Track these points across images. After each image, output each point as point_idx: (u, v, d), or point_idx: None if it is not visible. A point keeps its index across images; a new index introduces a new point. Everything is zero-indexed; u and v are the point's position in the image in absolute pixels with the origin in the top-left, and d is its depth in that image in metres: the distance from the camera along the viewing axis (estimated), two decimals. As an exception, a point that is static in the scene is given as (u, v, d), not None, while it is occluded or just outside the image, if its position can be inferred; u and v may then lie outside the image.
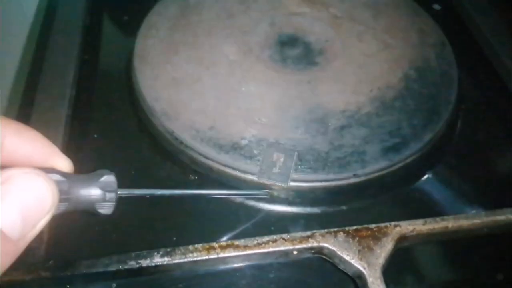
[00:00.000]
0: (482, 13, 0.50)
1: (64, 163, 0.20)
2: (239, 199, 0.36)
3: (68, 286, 0.30)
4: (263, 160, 0.35)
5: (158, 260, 0.30)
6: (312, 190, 0.36)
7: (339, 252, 0.30)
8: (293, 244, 0.31)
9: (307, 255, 0.31)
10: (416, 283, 0.34)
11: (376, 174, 0.36)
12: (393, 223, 0.32)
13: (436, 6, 0.53)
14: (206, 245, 0.30)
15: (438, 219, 0.32)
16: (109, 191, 0.20)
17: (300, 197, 0.36)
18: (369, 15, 0.48)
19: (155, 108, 0.39)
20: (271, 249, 0.30)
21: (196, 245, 0.30)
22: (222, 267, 0.31)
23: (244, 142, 0.37)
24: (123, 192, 0.21)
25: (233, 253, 0.30)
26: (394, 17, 0.48)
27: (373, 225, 0.32)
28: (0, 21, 0.62)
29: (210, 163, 0.36)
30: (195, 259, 0.30)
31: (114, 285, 0.30)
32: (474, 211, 0.36)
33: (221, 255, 0.30)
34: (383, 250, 0.30)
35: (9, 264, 0.16)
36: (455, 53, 0.45)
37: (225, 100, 0.40)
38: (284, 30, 0.46)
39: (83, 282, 0.30)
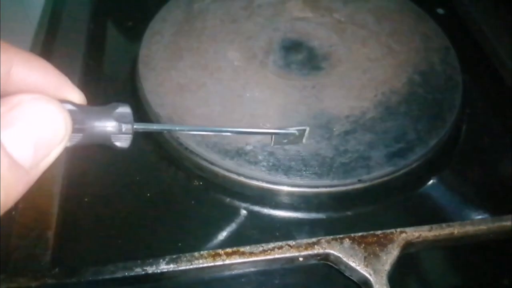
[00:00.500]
0: (486, 17, 0.50)
1: (76, 95, 0.19)
2: (243, 205, 0.36)
3: (74, 293, 0.30)
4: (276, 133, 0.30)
5: (164, 267, 0.30)
6: (317, 195, 0.36)
7: (345, 259, 0.30)
8: (299, 251, 0.31)
9: (313, 261, 0.31)
10: (422, 289, 0.33)
11: (381, 180, 0.36)
12: (399, 229, 0.32)
13: (440, 11, 0.53)
14: (212, 252, 0.30)
15: (444, 225, 0.32)
16: (125, 123, 0.19)
17: (305, 202, 0.36)
18: (372, 20, 0.48)
19: (160, 113, 0.39)
20: (276, 256, 0.30)
21: (201, 252, 0.30)
22: (227, 273, 0.31)
23: (248, 147, 0.37)
24: (140, 126, 0.20)
25: (238, 260, 0.30)
26: (397, 22, 0.48)
27: (379, 232, 0.32)
28: (3, 27, 0.62)
29: (215, 168, 0.36)
30: (200, 266, 0.30)
31: (120, 292, 0.30)
32: (479, 216, 0.36)
33: (227, 262, 0.30)
34: (389, 256, 0.30)
35: (22, 193, 0.15)
36: (459, 58, 0.45)
37: (230, 105, 0.40)
38: (288, 36, 0.47)
39: (89, 289, 0.30)
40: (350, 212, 0.36)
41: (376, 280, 0.29)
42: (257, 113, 0.39)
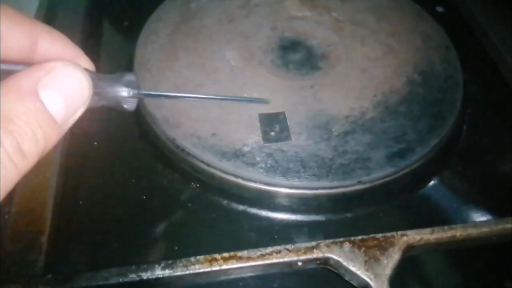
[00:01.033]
0: (486, 16, 0.49)
1: (88, 64, 0.22)
2: (241, 207, 0.36)
3: (67, 299, 0.29)
4: (261, 129, 0.37)
5: (159, 272, 0.29)
6: (316, 197, 0.35)
7: (345, 263, 0.30)
8: (298, 255, 0.30)
9: (312, 266, 0.31)
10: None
11: (381, 181, 0.36)
12: (400, 232, 0.31)
13: (440, 9, 0.53)
14: (209, 257, 0.30)
15: (446, 227, 0.32)
16: (133, 88, 0.22)
17: (304, 204, 0.36)
18: (371, 18, 0.48)
19: (157, 115, 0.38)
20: (275, 260, 0.30)
21: (198, 257, 0.30)
22: (224, 277, 0.31)
23: (246, 149, 0.36)
24: (144, 92, 0.23)
25: (236, 265, 0.30)
26: (397, 21, 0.48)
27: (379, 235, 0.31)
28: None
29: (212, 170, 0.36)
30: (197, 271, 0.29)
31: (114, 298, 0.30)
32: (481, 217, 0.36)
33: (224, 267, 0.29)
34: (390, 260, 0.30)
35: (53, 145, 0.18)
36: (459, 57, 0.44)
37: (227, 106, 0.39)
38: (286, 35, 0.46)
39: (83, 295, 0.29)
40: (350, 214, 0.36)
41: (377, 284, 0.29)
42: (254, 113, 0.39)
